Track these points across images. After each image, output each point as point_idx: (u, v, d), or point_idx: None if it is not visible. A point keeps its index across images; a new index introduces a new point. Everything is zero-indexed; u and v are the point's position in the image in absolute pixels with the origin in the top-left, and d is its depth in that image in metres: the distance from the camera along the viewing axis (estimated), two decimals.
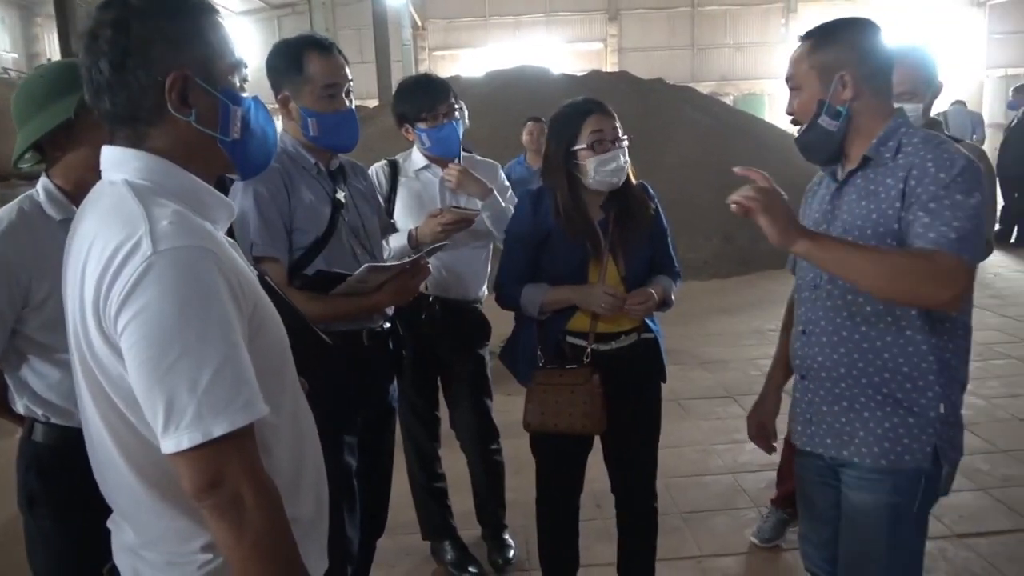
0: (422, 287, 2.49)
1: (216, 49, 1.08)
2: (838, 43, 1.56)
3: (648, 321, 2.18)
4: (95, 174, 1.08)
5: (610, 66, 20.00)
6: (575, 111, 2.07)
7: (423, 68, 20.99)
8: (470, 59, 20.94)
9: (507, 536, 2.82)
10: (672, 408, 4.23)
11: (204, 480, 0.92)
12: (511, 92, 9.68)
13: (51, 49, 17.70)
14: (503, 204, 2.50)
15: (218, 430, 0.91)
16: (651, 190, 2.19)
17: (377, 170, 2.59)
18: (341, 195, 1.98)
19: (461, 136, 2.53)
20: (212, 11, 1.08)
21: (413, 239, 2.38)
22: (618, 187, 2.07)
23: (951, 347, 1.56)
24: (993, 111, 14.06)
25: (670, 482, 3.35)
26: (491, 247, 2.64)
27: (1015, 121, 8.79)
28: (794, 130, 1.67)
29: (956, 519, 2.96)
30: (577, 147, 2.03)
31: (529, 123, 5.24)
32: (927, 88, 2.26)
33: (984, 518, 2.97)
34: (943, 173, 1.45)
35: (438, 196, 2.55)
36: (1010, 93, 9.01)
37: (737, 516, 3.10)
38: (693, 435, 3.91)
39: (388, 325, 2.08)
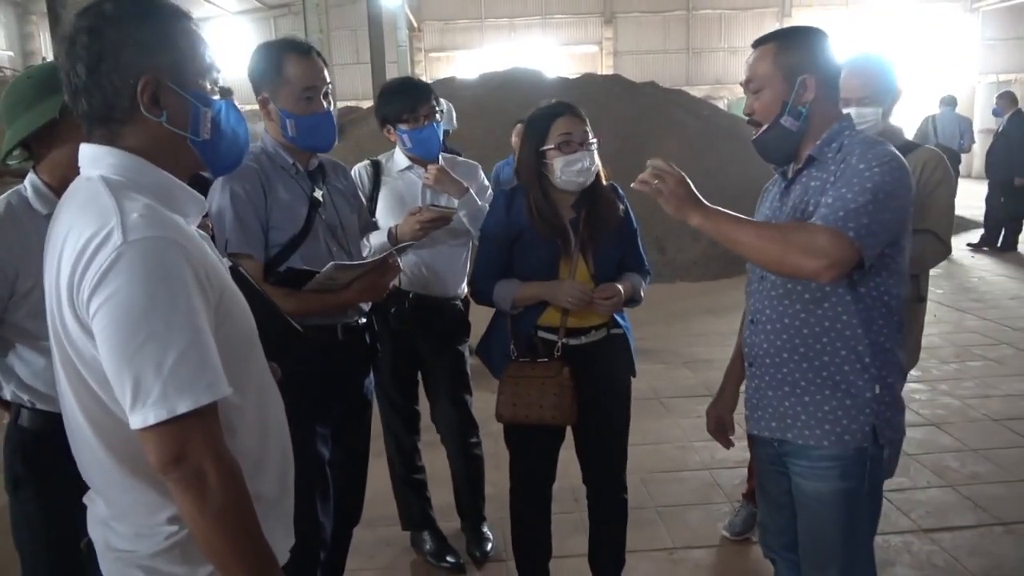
0: (402, 283, 2.58)
1: (187, 53, 1.14)
2: (802, 47, 1.65)
3: (617, 317, 2.25)
4: (78, 170, 1.15)
5: (605, 69, 20.10)
6: (546, 113, 2.15)
7: (418, 69, 21.09)
8: (465, 61, 21.02)
9: (485, 528, 2.89)
10: (653, 406, 4.31)
11: (169, 454, 1.00)
12: (504, 94, 9.76)
13: (46, 47, 17.74)
14: (479, 203, 2.57)
15: (182, 407, 0.98)
16: (621, 191, 2.26)
17: (360, 170, 2.66)
18: (319, 194, 2.05)
19: (441, 137, 2.60)
20: (183, 17, 1.15)
21: (393, 236, 2.45)
22: (586, 187, 2.15)
23: (885, 331, 1.64)
24: (985, 116, 14.18)
25: (648, 477, 3.43)
26: (470, 245, 2.71)
27: (1001, 127, 8.90)
28: None
29: (923, 514, 3.04)
30: (546, 147, 2.11)
31: (519, 125, 5.30)
32: (886, 94, 2.34)
33: (950, 514, 3.05)
34: (862, 164, 1.55)
35: (420, 196, 2.62)
36: (994, 100, 9.11)
37: (711, 510, 3.17)
38: (673, 432, 3.99)
39: (364, 320, 2.14)
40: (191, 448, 1.00)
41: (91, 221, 1.02)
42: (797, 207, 1.65)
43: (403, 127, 2.53)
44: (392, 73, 15.67)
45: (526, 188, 2.19)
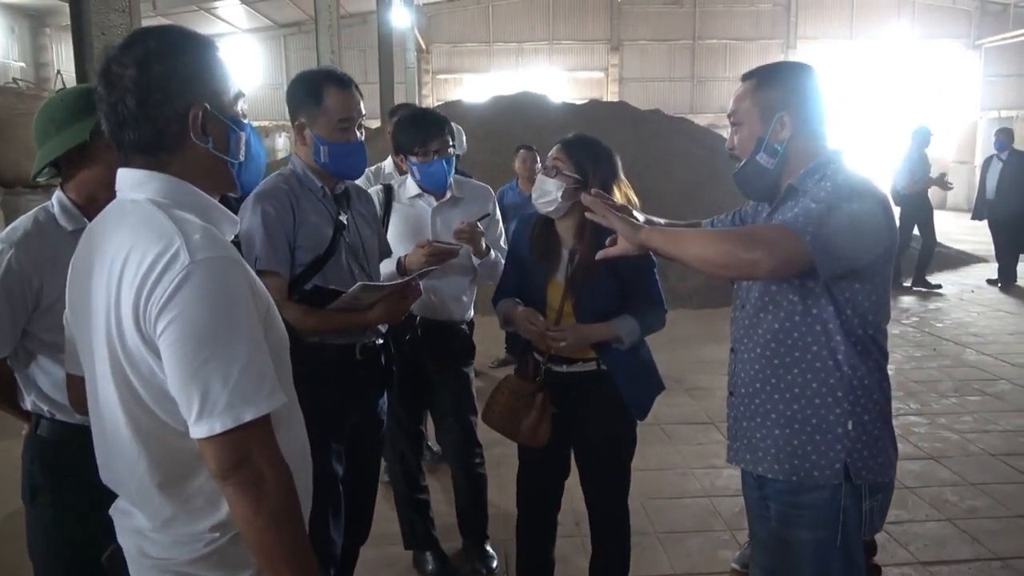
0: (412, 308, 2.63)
1: (223, 82, 1.22)
2: (780, 85, 1.66)
3: (612, 355, 2.20)
4: (106, 191, 1.21)
5: (611, 95, 20.31)
6: None
7: (426, 91, 21.30)
8: (472, 83, 21.25)
9: (488, 547, 2.92)
10: (654, 432, 4.33)
11: (232, 460, 1.07)
12: (511, 118, 9.86)
13: (58, 59, 17.90)
14: (494, 258, 2.63)
15: (248, 416, 1.06)
16: None
17: (372, 194, 2.71)
18: (344, 217, 2.12)
19: (451, 171, 2.64)
20: (216, 48, 1.22)
21: (401, 266, 2.50)
22: (554, 214, 2.20)
23: (865, 367, 1.61)
24: (986, 150, 14.33)
25: (648, 503, 3.45)
26: (476, 273, 2.77)
27: (999, 163, 8.87)
28: None
29: (921, 547, 3.06)
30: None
31: (521, 151, 5.39)
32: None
33: (947, 547, 3.07)
34: (839, 188, 1.54)
35: (428, 225, 2.68)
36: (994, 136, 9.14)
37: (711, 538, 3.19)
38: (673, 459, 4.01)
39: (381, 341, 2.20)
40: (253, 454, 1.08)
41: (153, 242, 1.08)
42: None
43: (414, 159, 2.59)
44: (400, 94, 15.84)
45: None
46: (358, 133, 2.07)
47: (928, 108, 19.57)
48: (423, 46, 21.11)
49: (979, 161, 13.22)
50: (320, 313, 1.96)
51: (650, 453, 3.97)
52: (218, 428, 1.04)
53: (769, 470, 1.68)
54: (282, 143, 19.07)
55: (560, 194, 2.16)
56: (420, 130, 2.58)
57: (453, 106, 11.14)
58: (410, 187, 2.71)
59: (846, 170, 1.62)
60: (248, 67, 21.39)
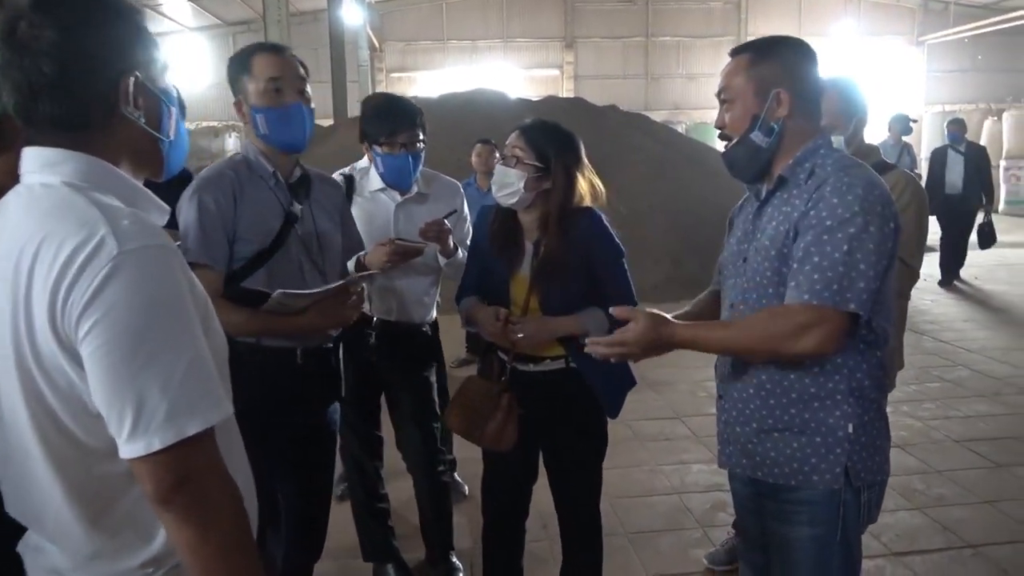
0: (368, 309, 2.48)
1: (153, 49, 1.07)
2: (777, 59, 1.58)
3: (577, 350, 2.07)
4: (12, 180, 1.04)
5: (566, 92, 20.28)
6: None
7: (379, 89, 21.00)
8: (427, 81, 21.03)
9: (454, 558, 2.78)
10: (620, 429, 4.24)
11: (175, 481, 0.91)
12: (466, 114, 9.72)
13: None
14: (461, 258, 2.47)
15: (192, 428, 0.91)
16: (598, 214, 2.14)
17: None
18: (297, 208, 1.96)
19: (418, 167, 2.48)
20: (143, 14, 1.07)
21: (361, 265, 2.36)
22: (546, 210, 2.07)
23: (863, 368, 1.55)
24: (932, 143, 14.62)
25: (616, 503, 3.36)
26: (440, 273, 2.63)
27: (958, 155, 8.36)
28: None
29: (893, 538, 3.02)
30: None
31: (478, 145, 5.27)
32: (847, 119, 2.31)
33: (919, 537, 3.04)
34: (836, 198, 1.46)
35: (392, 220, 2.52)
36: (945, 127, 8.86)
37: (683, 536, 3.11)
38: (640, 456, 3.93)
39: (331, 345, 2.04)
40: (198, 473, 0.92)
41: (72, 230, 0.92)
42: (775, 238, 1.56)
43: (379, 149, 2.43)
44: (353, 92, 15.56)
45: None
46: (296, 96, 1.90)
47: (875, 103, 19.99)
48: (376, 44, 20.84)
49: (925, 154, 13.41)
50: (251, 312, 1.79)
51: (617, 451, 3.83)
52: (157, 445, 0.89)
53: (768, 475, 1.61)
54: (232, 143, 18.58)
55: (522, 184, 2.03)
56: (388, 120, 2.42)
57: None
58: (373, 179, 2.55)
59: (835, 157, 1.56)
60: (196, 66, 20.79)
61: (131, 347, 0.89)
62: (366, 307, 2.48)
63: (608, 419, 2.21)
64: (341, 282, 1.87)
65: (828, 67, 1.68)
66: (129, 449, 0.90)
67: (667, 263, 8.05)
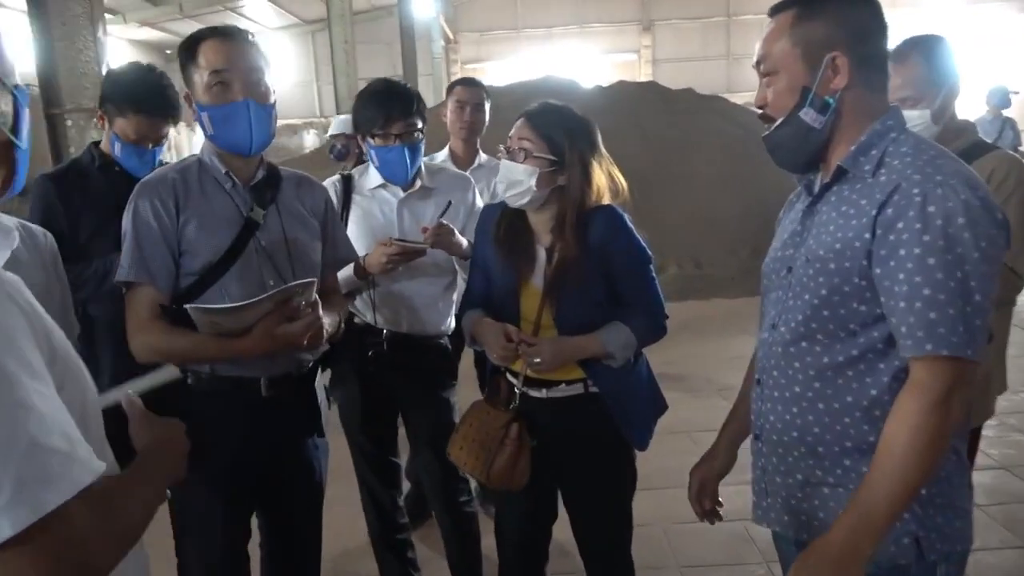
0: (376, 320, 2.24)
1: (3, 41, 0.87)
2: (829, 15, 1.24)
3: (603, 374, 1.82)
4: None
5: (644, 77, 19.73)
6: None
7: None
8: (501, 71, 20.86)
9: None
10: (681, 441, 3.89)
11: (44, 571, 0.71)
12: (534, 103, 9.45)
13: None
14: None
15: (52, 501, 0.71)
16: (620, 213, 1.84)
17: (328, 186, 2.33)
18: (259, 213, 1.71)
19: (416, 160, 2.23)
20: None
21: (360, 269, 2.12)
22: (561, 209, 1.78)
23: None
24: None
25: (669, 528, 3.03)
26: (456, 276, 2.37)
27: None
28: None
29: None
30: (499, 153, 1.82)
31: None
32: (935, 89, 1.91)
33: None
34: (935, 207, 1.12)
35: (395, 218, 2.28)
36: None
37: (744, 572, 2.76)
38: None
39: (307, 370, 1.80)
40: (72, 552, 0.73)
41: None
42: (832, 247, 1.23)
43: (372, 142, 2.18)
44: (427, 85, 15.53)
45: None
46: (246, 91, 1.63)
47: (977, 75, 18.57)
48: (450, 36, 20.80)
49: None
50: (189, 336, 1.55)
51: (673, 466, 3.51)
52: (8, 531, 0.69)
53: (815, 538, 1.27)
54: (311, 140, 18.88)
55: (534, 181, 1.75)
56: (381, 108, 2.16)
57: None
58: (372, 176, 2.31)
59: (911, 142, 1.22)
60: (280, 65, 21.47)
61: None
62: (369, 317, 2.25)
63: (639, 451, 1.91)
64: (275, 290, 1.56)
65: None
66: None
67: (745, 253, 7.55)
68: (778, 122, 1.29)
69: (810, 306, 1.27)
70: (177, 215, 1.64)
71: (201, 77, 1.63)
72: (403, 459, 2.60)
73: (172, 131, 2.33)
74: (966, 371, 1.12)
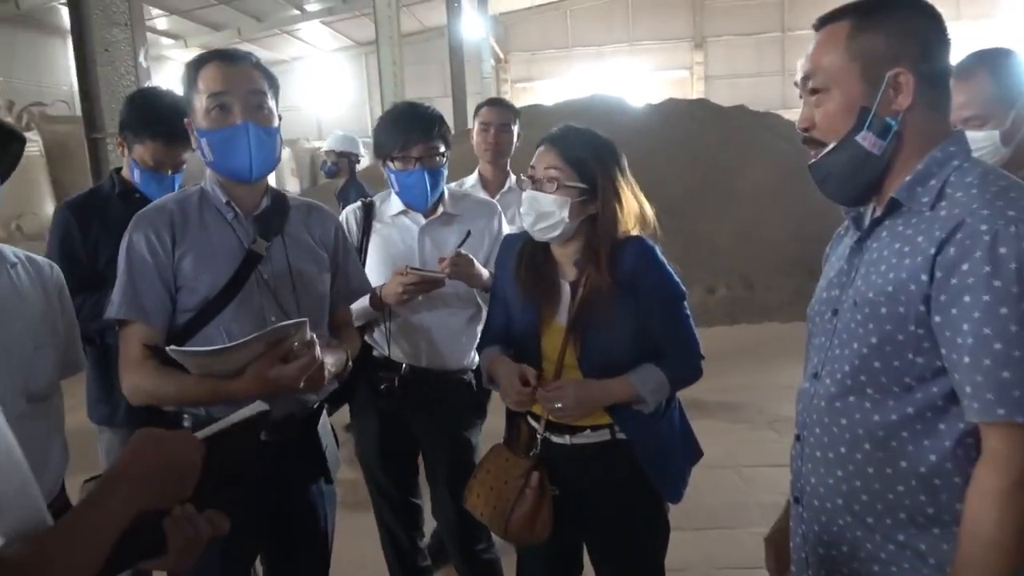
0: (393, 353, 2.14)
1: None
2: (891, 27, 1.10)
3: (632, 419, 1.68)
4: None
5: (696, 94, 19.47)
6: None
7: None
8: (552, 89, 20.85)
9: None
10: (729, 478, 3.68)
11: None
12: (584, 121, 9.34)
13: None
14: None
15: None
16: (651, 245, 1.71)
17: (348, 215, 2.25)
18: (262, 245, 1.61)
19: (438, 184, 2.14)
20: None
21: (376, 299, 2.02)
22: (590, 242, 1.66)
23: None
24: None
25: (718, 575, 2.84)
26: (481, 308, 2.25)
27: None
28: None
29: None
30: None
31: None
32: (1005, 107, 1.72)
33: None
34: (1006, 249, 0.96)
35: (416, 246, 2.17)
36: None
37: None
38: (752, 515, 3.35)
39: (312, 411, 1.69)
40: None
41: None
42: (883, 289, 1.08)
43: (392, 166, 2.10)
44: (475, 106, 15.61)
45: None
46: (246, 114, 1.54)
47: None
48: (501, 56, 20.90)
49: None
50: (179, 378, 1.46)
51: (723, 504, 3.34)
52: None
53: None
54: (365, 160, 19.16)
55: (566, 213, 1.63)
56: (400, 130, 2.08)
57: (530, 111, 10.69)
58: (394, 203, 2.21)
59: (978, 171, 1.06)
60: (336, 86, 21.95)
61: None
62: (386, 350, 2.15)
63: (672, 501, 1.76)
64: (265, 331, 1.43)
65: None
66: None
67: (799, 275, 7.26)
68: (830, 147, 1.15)
69: (859, 356, 1.12)
70: (173, 248, 1.56)
71: (200, 102, 1.56)
72: (427, 497, 2.48)
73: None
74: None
